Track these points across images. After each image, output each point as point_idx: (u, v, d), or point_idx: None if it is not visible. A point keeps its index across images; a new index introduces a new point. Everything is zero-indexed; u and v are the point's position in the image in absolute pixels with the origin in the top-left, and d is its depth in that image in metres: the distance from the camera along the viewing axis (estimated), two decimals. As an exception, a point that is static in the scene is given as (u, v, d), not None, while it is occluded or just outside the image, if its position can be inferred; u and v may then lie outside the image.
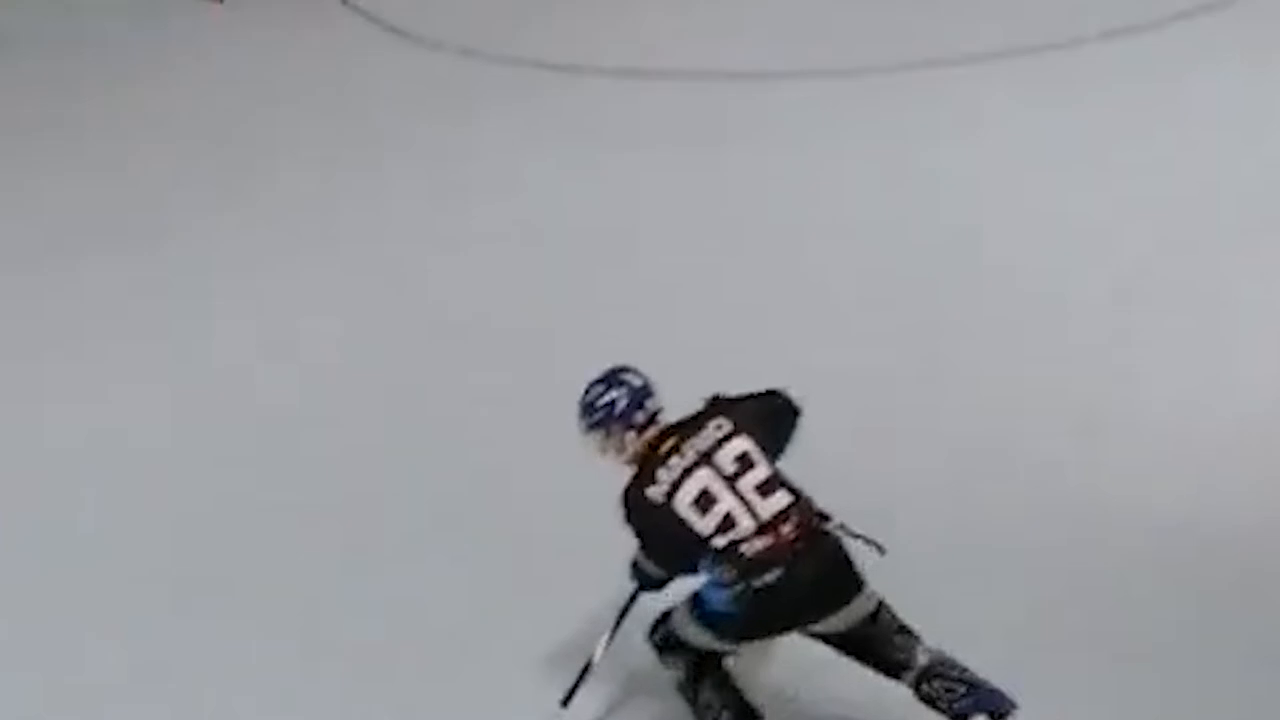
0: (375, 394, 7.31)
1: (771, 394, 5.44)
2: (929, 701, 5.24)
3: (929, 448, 6.59)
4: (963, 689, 5.22)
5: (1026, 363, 7.04)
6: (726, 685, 5.42)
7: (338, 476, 6.84)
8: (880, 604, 5.26)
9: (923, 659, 5.25)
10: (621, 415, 5.31)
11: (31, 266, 8.39)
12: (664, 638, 5.46)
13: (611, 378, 5.35)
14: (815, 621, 5.22)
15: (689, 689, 5.45)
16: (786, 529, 5.14)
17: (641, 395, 5.31)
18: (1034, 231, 7.84)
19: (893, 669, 5.27)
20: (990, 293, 7.48)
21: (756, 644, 5.39)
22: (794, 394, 5.44)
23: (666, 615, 5.45)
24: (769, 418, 5.37)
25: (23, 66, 10.28)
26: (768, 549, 5.12)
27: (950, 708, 5.22)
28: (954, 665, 5.25)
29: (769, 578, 5.10)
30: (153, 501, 6.82)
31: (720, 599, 5.20)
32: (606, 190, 8.46)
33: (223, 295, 8.08)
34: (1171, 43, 9.13)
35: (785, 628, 5.28)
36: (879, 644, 5.28)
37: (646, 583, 5.48)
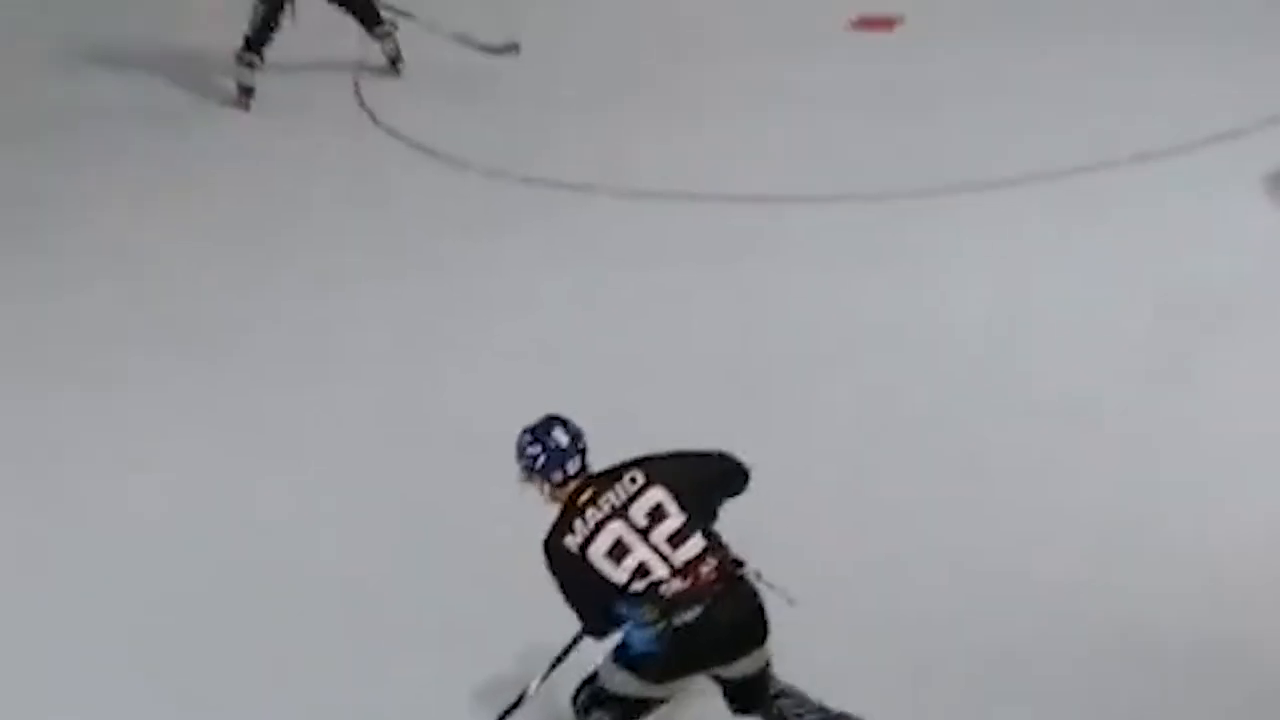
0: (391, 508, 7.27)
1: (720, 456, 5.68)
2: (779, 718, 5.66)
3: (942, 571, 6.55)
4: (812, 707, 5.68)
5: (1045, 484, 7.00)
6: None
7: (350, 591, 6.82)
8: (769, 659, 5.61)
9: (774, 690, 5.66)
10: (541, 470, 5.63)
11: (59, 371, 8.40)
12: (590, 695, 5.68)
13: (539, 431, 5.67)
14: (732, 661, 5.52)
15: None
16: (705, 570, 5.43)
17: (562, 457, 5.61)
18: (1058, 354, 7.81)
19: (756, 704, 5.66)
20: (1010, 414, 7.44)
21: (675, 685, 5.59)
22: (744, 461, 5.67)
23: (591, 678, 5.68)
24: (700, 473, 5.63)
25: (40, 174, 10.28)
26: (687, 590, 5.41)
27: (802, 718, 5.66)
28: (800, 692, 5.68)
29: (689, 615, 5.39)
30: (158, 610, 6.79)
31: (642, 639, 5.47)
32: (623, 309, 8.47)
33: (239, 405, 8.04)
34: (1202, 166, 9.11)
35: (703, 666, 5.54)
36: (760, 686, 5.62)
37: (591, 628, 5.61)
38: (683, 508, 5.51)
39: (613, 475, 5.58)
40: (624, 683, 5.59)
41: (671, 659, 5.47)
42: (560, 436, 5.63)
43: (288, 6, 10.59)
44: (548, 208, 9.39)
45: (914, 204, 9.10)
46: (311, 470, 7.57)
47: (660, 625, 5.42)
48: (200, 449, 7.77)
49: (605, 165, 9.68)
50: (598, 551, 5.48)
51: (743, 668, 5.56)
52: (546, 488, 5.63)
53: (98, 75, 11.28)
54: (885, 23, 11.09)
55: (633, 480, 5.55)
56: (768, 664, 5.60)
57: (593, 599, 5.49)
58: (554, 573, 5.53)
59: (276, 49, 10.68)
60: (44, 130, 10.76)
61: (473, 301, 8.69)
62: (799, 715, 5.67)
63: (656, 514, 5.50)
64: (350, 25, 10.86)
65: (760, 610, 5.47)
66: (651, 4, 11.56)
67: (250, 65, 10.79)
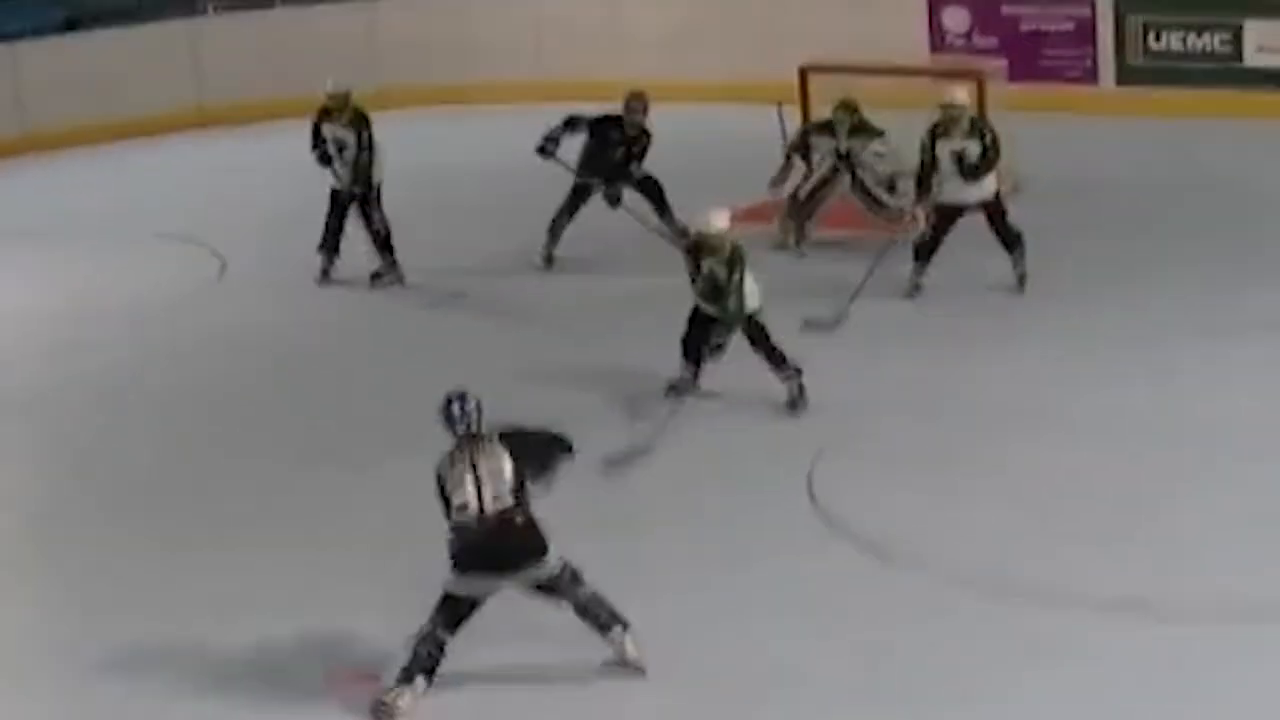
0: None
1: (556, 438, 9.05)
2: (581, 613, 8.90)
3: None
4: (604, 613, 8.91)
5: None
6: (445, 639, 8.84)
7: None
8: (563, 569, 8.85)
9: (583, 597, 8.89)
10: (445, 424, 8.94)
11: None
12: (440, 598, 8.77)
13: (449, 403, 8.95)
14: (513, 573, 8.80)
15: (422, 631, 8.81)
16: (497, 514, 8.70)
17: (451, 422, 8.92)
18: None
19: (557, 598, 8.89)
20: None
21: (479, 586, 8.77)
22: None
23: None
24: (541, 452, 8.92)
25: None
26: (476, 520, 8.70)
27: (596, 620, 8.89)
28: (602, 601, 8.91)
29: (470, 538, 8.72)
30: None
31: (452, 549, 8.78)
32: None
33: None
34: None
35: (488, 572, 8.79)
36: (562, 593, 8.87)
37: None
38: (517, 474, 8.74)
39: (484, 437, 8.84)
40: (450, 582, 8.80)
41: (465, 564, 8.74)
42: (454, 410, 8.93)
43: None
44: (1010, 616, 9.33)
45: None
46: None
47: (456, 541, 8.75)
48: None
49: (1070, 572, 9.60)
50: (449, 480, 8.77)
51: (529, 579, 8.83)
52: (449, 434, 8.91)
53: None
54: None
55: (492, 445, 8.81)
56: (557, 578, 8.84)
57: (444, 503, 8.79)
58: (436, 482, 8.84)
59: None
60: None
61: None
62: (597, 616, 8.89)
63: (495, 473, 8.74)
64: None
65: (535, 543, 8.78)
66: (1115, 435, 11.37)
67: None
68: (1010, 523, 10.26)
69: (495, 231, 15.80)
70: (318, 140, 15.39)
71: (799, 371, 12.07)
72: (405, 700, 8.81)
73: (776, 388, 12.09)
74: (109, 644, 9.71)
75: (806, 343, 12.82)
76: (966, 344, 13.13)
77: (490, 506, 8.72)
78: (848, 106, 15.19)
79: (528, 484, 8.81)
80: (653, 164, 15.28)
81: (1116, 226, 15.51)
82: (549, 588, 8.87)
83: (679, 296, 12.18)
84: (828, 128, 15.30)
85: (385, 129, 15.55)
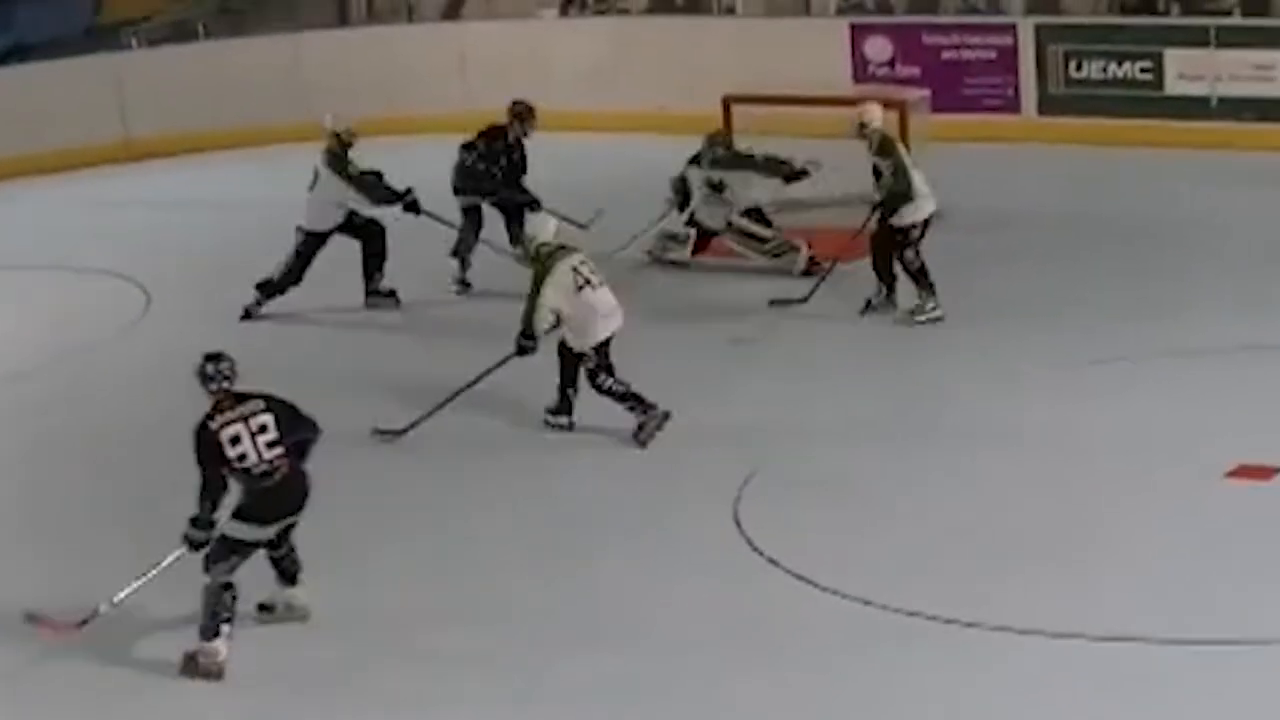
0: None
1: (310, 421, 9.71)
2: (284, 557, 9.86)
3: None
4: (298, 566, 9.87)
5: None
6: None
7: None
8: None
9: (291, 545, 9.83)
10: (201, 382, 9.57)
11: None
12: (216, 547, 9.49)
13: (205, 362, 9.56)
14: (290, 516, 9.63)
15: (219, 583, 9.46)
16: (278, 465, 9.46)
17: (205, 380, 9.54)
18: None
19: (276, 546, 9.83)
20: None
21: (268, 529, 9.57)
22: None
23: (219, 539, 9.49)
24: (296, 420, 9.62)
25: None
26: (267, 471, 9.43)
27: (291, 569, 9.91)
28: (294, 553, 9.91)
29: (267, 483, 9.46)
30: None
31: (244, 498, 9.47)
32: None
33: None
34: None
35: (278, 516, 9.57)
36: (288, 538, 9.81)
37: (207, 483, 9.53)
38: (279, 430, 9.45)
39: (244, 397, 9.50)
40: (237, 529, 9.51)
41: (259, 508, 9.50)
42: (209, 368, 9.54)
43: None
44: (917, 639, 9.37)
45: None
46: None
47: (251, 488, 9.42)
48: None
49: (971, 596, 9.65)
50: (225, 435, 9.40)
51: (292, 520, 9.63)
52: (205, 392, 9.53)
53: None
54: (1265, 472, 10.86)
55: (256, 405, 9.49)
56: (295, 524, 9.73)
57: (212, 463, 9.42)
58: (195, 446, 9.46)
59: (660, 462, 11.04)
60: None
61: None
62: (294, 565, 9.89)
63: (263, 428, 9.44)
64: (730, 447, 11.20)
65: (304, 492, 9.61)
66: (1033, 459, 11.50)
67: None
68: (940, 544, 10.38)
69: (427, 260, 15.78)
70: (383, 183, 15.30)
71: (625, 395, 12.01)
72: (224, 652, 9.48)
73: (701, 414, 12.15)
74: (38, 681, 9.75)
75: (733, 368, 13.08)
76: (892, 369, 13.30)
77: (267, 454, 9.45)
78: (713, 141, 15.49)
79: (289, 438, 9.52)
80: (576, 193, 15.28)
81: (1039, 253, 15.69)
82: (288, 531, 9.78)
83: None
84: (696, 160, 15.47)
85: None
